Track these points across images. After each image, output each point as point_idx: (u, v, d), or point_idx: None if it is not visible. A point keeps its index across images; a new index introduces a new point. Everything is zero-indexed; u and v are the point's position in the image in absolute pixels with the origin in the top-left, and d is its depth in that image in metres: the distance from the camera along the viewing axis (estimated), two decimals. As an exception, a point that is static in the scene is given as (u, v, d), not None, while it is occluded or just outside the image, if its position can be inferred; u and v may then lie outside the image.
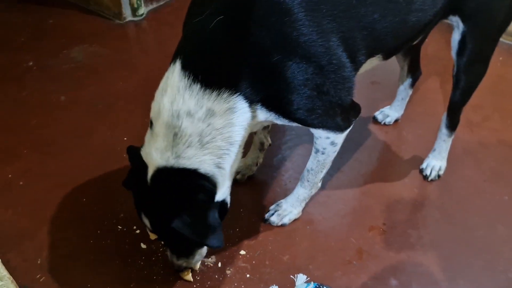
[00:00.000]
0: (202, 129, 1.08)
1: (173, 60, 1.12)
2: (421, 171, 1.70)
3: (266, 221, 1.51)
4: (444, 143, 1.66)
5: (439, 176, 1.68)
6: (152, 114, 1.14)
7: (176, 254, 1.27)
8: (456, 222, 1.54)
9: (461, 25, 1.37)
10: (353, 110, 1.28)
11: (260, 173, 1.69)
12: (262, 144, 1.64)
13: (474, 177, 1.70)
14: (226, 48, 1.08)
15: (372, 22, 1.16)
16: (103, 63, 2.28)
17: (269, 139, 1.65)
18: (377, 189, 1.65)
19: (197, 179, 1.11)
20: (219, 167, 1.13)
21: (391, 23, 1.20)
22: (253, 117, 1.16)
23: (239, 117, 1.11)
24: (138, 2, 2.52)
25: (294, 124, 1.24)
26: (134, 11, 2.55)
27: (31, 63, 2.26)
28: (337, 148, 1.34)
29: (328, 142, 1.31)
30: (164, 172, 1.11)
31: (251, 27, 1.06)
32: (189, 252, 1.26)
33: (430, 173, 1.67)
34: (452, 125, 1.61)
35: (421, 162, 1.72)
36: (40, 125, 1.90)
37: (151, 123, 1.14)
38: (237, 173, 1.65)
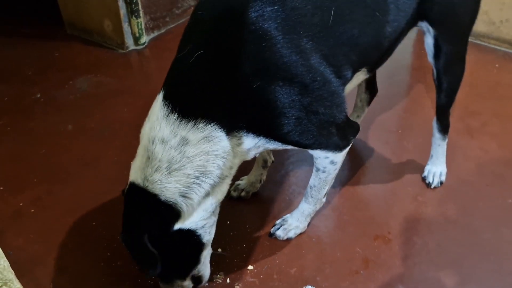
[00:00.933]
0: (172, 156, 1.12)
1: (160, 91, 1.18)
2: (424, 179, 1.72)
3: (272, 235, 1.53)
4: (439, 147, 1.68)
5: (441, 182, 1.70)
6: (140, 135, 1.21)
7: (158, 276, 1.28)
8: (461, 227, 1.55)
9: (431, 30, 1.41)
10: (350, 128, 1.30)
11: (264, 189, 1.72)
12: (265, 161, 1.67)
13: (476, 182, 1.72)
14: (204, 79, 1.13)
15: (352, 38, 1.20)
16: (108, 91, 2.35)
17: (271, 156, 1.68)
18: (381, 198, 1.67)
19: (153, 205, 1.13)
20: (185, 197, 1.14)
21: (370, 36, 1.24)
22: (239, 144, 1.18)
23: (214, 145, 1.13)
24: (140, 31, 2.60)
25: (290, 147, 1.26)
26: (136, 40, 2.63)
27: (38, 95, 2.33)
28: (338, 166, 1.36)
29: (327, 161, 1.33)
30: (133, 188, 1.17)
31: (230, 57, 1.11)
32: (168, 280, 1.28)
33: (433, 180, 1.69)
34: (443, 129, 1.64)
35: (423, 170, 1.74)
36: (49, 154, 1.95)
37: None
38: (241, 190, 1.68)
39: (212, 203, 1.21)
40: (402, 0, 1.27)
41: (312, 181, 1.43)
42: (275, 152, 1.76)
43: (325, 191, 1.45)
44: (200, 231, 1.21)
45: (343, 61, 1.21)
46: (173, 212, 1.14)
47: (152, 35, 2.74)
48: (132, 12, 2.52)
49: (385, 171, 1.79)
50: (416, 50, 2.56)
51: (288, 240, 1.52)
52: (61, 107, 2.25)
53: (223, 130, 1.14)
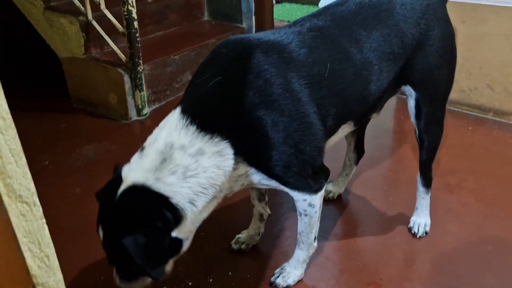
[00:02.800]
0: (190, 163, 1.21)
1: (175, 108, 1.32)
2: (410, 229, 1.86)
3: (272, 284, 1.63)
4: (423, 200, 1.84)
5: (426, 232, 1.83)
6: (147, 142, 1.28)
7: (120, 275, 1.32)
8: (446, 273, 1.66)
9: (413, 93, 1.61)
10: (323, 173, 1.45)
11: (263, 243, 1.83)
12: (261, 215, 1.80)
13: (458, 232, 1.86)
14: (221, 101, 1.29)
15: (341, 91, 1.40)
16: (113, 157, 2.51)
17: (267, 210, 1.82)
18: (371, 248, 1.80)
19: (164, 207, 1.18)
20: (192, 203, 1.22)
21: (357, 91, 1.44)
22: (235, 168, 1.31)
23: (224, 161, 1.26)
24: (143, 103, 2.83)
25: (272, 183, 1.39)
26: (139, 111, 2.84)
27: (46, 162, 2.48)
28: (317, 209, 1.48)
29: (306, 204, 1.46)
30: (137, 189, 1.19)
31: (241, 87, 1.28)
32: (133, 277, 1.30)
33: (418, 230, 1.83)
34: (426, 183, 1.80)
35: (408, 222, 1.88)
36: (58, 215, 2.06)
37: (143, 148, 1.28)
38: (242, 243, 1.79)
39: (199, 219, 1.30)
40: (385, 64, 1.48)
41: (299, 227, 1.55)
42: (271, 208, 1.90)
43: (313, 235, 1.57)
44: (184, 242, 1.28)
45: (330, 111, 1.39)
46: (178, 217, 1.20)
47: (153, 107, 2.96)
48: (136, 86, 2.76)
49: (374, 224, 1.93)
50: (396, 116, 2.81)
51: (288, 287, 1.62)
52: (69, 173, 2.39)
53: (233, 149, 1.28)
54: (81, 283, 1.70)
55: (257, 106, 1.28)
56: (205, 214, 1.33)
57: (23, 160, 0.62)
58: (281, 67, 1.32)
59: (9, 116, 0.58)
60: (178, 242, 1.26)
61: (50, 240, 0.68)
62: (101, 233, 1.25)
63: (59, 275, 0.70)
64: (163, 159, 1.21)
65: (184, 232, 1.27)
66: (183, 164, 1.21)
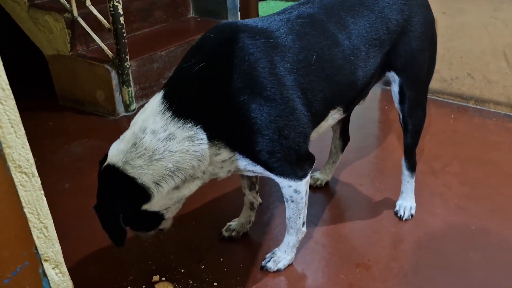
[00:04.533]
0: (157, 147, 1.28)
1: (160, 90, 1.37)
2: (396, 213, 1.91)
3: (263, 268, 1.66)
4: (408, 184, 1.89)
5: (412, 215, 1.88)
6: (131, 122, 1.37)
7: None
8: (432, 251, 1.72)
9: (397, 78, 1.66)
10: (308, 159, 1.48)
11: (253, 230, 1.86)
12: (252, 204, 1.83)
13: (442, 213, 1.91)
14: (202, 87, 1.32)
15: (329, 76, 1.43)
16: (101, 153, 2.48)
17: (258, 198, 1.85)
18: (359, 232, 1.84)
19: (129, 186, 1.29)
20: (157, 184, 1.31)
21: (345, 76, 1.48)
22: (217, 154, 1.36)
23: (194, 146, 1.30)
24: (130, 99, 2.84)
25: (258, 168, 1.42)
26: (126, 107, 2.85)
27: (35, 159, 2.47)
28: (302, 195, 1.51)
29: (291, 190, 1.49)
30: (110, 169, 1.32)
31: (226, 72, 1.32)
32: (137, 230, 1.48)
33: (404, 213, 1.88)
34: (411, 167, 1.85)
35: (395, 206, 1.93)
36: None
37: (127, 130, 1.36)
38: (232, 230, 1.82)
39: (178, 196, 1.38)
40: (371, 49, 1.52)
41: (287, 213, 1.59)
42: (261, 196, 1.93)
43: (301, 220, 1.60)
44: (163, 212, 1.39)
45: (318, 96, 1.42)
46: (145, 195, 1.30)
47: (141, 103, 2.97)
48: (124, 82, 2.77)
49: (362, 208, 1.97)
50: (381, 106, 2.87)
51: (278, 271, 1.65)
52: (57, 169, 2.39)
53: (206, 134, 1.31)
54: (70, 273, 1.70)
55: (241, 90, 1.31)
56: (185, 192, 1.40)
57: (22, 131, 0.64)
58: (267, 52, 1.34)
59: (8, 87, 0.60)
60: (154, 213, 1.37)
61: (49, 212, 0.70)
62: None
63: (58, 246, 0.72)
64: (133, 143, 1.30)
65: (159, 205, 1.36)
66: (151, 149, 1.29)
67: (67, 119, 2.93)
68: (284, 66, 1.36)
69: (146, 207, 1.33)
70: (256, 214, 1.87)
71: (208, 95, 1.32)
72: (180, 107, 1.30)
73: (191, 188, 1.39)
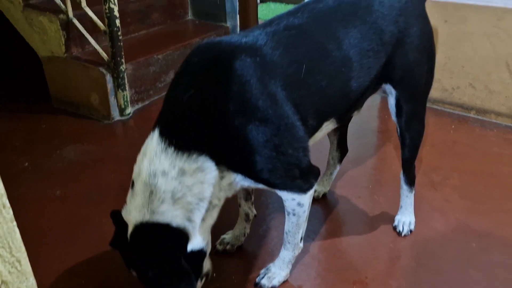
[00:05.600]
0: (174, 186, 1.23)
1: (153, 128, 1.31)
2: (395, 228, 1.86)
3: (257, 285, 1.61)
4: (407, 198, 1.84)
5: (411, 231, 1.84)
6: (134, 175, 1.30)
7: None
8: (431, 269, 1.67)
9: (393, 91, 1.61)
10: (312, 172, 1.43)
11: (248, 243, 1.81)
12: (247, 215, 1.78)
13: (442, 228, 1.86)
14: (196, 116, 1.28)
15: (321, 89, 1.39)
16: (95, 159, 2.47)
17: (253, 210, 1.80)
18: (356, 247, 1.79)
19: (169, 232, 1.24)
20: (190, 220, 1.26)
21: (337, 88, 1.43)
22: (222, 177, 1.32)
23: (206, 175, 1.27)
24: (125, 103, 2.78)
25: (261, 186, 1.38)
26: (121, 111, 2.80)
27: (26, 164, 2.42)
28: (305, 208, 1.47)
29: (295, 203, 1.45)
30: (141, 228, 1.25)
31: (217, 97, 1.27)
32: None
33: (403, 228, 1.83)
34: (410, 181, 1.80)
35: (393, 220, 1.88)
36: (38, 218, 2.01)
37: (133, 183, 1.30)
38: (227, 244, 1.77)
39: (206, 227, 1.34)
40: (365, 60, 1.47)
41: (286, 226, 1.54)
42: (256, 208, 1.88)
43: (299, 235, 1.55)
44: (205, 248, 1.33)
45: (311, 110, 1.38)
46: (185, 235, 1.26)
47: (136, 107, 2.92)
48: (119, 86, 2.72)
49: (360, 222, 1.92)
50: (380, 115, 2.82)
51: (273, 288, 1.60)
52: (49, 175, 2.34)
53: (213, 161, 1.27)
54: (61, 285, 1.65)
55: (234, 114, 1.27)
56: (211, 221, 1.36)
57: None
58: (255, 71, 1.29)
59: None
60: (199, 252, 1.31)
61: (22, 244, 0.65)
62: (134, 273, 1.31)
63: (32, 280, 0.67)
64: (150, 191, 1.24)
65: (198, 242, 1.30)
66: (169, 190, 1.24)
67: (60, 122, 2.88)
68: (275, 83, 1.31)
69: (190, 247, 1.27)
70: (251, 225, 1.82)
71: (203, 122, 1.28)
72: (181, 141, 1.26)
73: (214, 216, 1.36)
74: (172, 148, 1.24)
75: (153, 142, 1.28)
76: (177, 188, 1.24)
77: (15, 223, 0.63)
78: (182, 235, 1.26)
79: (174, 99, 1.33)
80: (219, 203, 1.36)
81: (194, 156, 1.25)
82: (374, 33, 1.48)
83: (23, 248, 0.65)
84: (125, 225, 1.29)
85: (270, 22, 1.44)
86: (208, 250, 1.38)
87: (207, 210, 1.31)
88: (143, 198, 1.25)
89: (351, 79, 1.46)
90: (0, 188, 0.58)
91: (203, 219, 1.31)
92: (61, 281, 1.68)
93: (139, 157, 1.31)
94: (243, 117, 1.26)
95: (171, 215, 1.24)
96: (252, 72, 1.28)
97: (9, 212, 0.61)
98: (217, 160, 1.28)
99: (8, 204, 0.61)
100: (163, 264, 1.23)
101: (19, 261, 0.64)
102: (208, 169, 1.27)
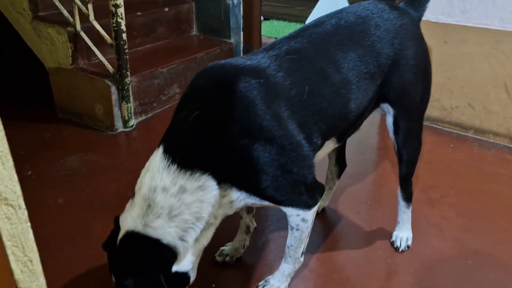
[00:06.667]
0: (172, 203, 1.25)
1: (158, 145, 1.35)
2: (392, 243, 1.88)
3: (255, 296, 1.63)
4: (404, 214, 1.87)
5: (408, 246, 1.86)
6: (136, 187, 1.33)
7: None
8: (427, 285, 1.68)
9: (391, 110, 1.65)
10: (318, 189, 1.46)
11: (247, 255, 1.83)
12: (248, 227, 1.81)
13: (439, 245, 1.89)
14: (201, 136, 1.31)
15: (321, 110, 1.43)
16: (97, 168, 2.50)
17: (254, 222, 1.82)
18: (354, 261, 1.81)
19: (157, 248, 1.25)
20: (182, 240, 1.27)
21: (337, 109, 1.47)
22: (224, 196, 1.34)
23: (207, 194, 1.29)
24: (129, 115, 2.83)
25: (266, 203, 1.41)
26: (125, 123, 2.84)
27: (29, 172, 2.45)
28: (309, 224, 1.50)
29: (299, 219, 1.47)
30: (131, 236, 1.26)
31: (221, 118, 1.30)
32: None
33: (400, 244, 1.85)
34: (407, 197, 1.83)
35: (391, 236, 1.91)
36: (39, 225, 2.02)
37: (134, 194, 1.33)
38: (226, 255, 1.79)
39: (199, 248, 1.34)
40: (362, 82, 1.51)
41: (289, 240, 1.56)
42: (256, 220, 1.90)
43: (301, 250, 1.58)
44: (190, 273, 1.33)
45: (314, 129, 1.41)
46: (173, 254, 1.26)
47: (140, 119, 2.96)
48: (123, 97, 2.76)
49: (357, 237, 1.95)
50: (380, 132, 2.86)
51: (270, 300, 1.62)
52: (52, 183, 2.37)
53: (215, 180, 1.29)
54: (65, 284, 1.67)
55: (239, 135, 1.29)
56: (204, 242, 1.37)
57: (10, 162, 0.63)
58: (259, 93, 1.33)
59: (-1, 118, 0.58)
60: (183, 275, 1.31)
61: (34, 245, 0.68)
62: (113, 279, 1.32)
63: (42, 280, 0.69)
64: (148, 205, 1.27)
65: (185, 264, 1.31)
66: (167, 206, 1.26)
67: (64, 131, 2.92)
68: (278, 104, 1.35)
69: (175, 268, 1.28)
70: (251, 238, 1.84)
71: (208, 142, 1.31)
72: (184, 159, 1.29)
73: (208, 236, 1.37)
74: (175, 166, 1.27)
75: (157, 158, 1.31)
76: (175, 205, 1.26)
77: (29, 224, 0.66)
78: (170, 254, 1.26)
79: (180, 118, 1.36)
80: (215, 222, 1.37)
81: (197, 174, 1.27)
82: (371, 56, 1.53)
83: (35, 249, 0.68)
84: (118, 230, 1.32)
85: (271, 46, 1.49)
86: (193, 277, 1.37)
87: (203, 230, 1.32)
88: (140, 210, 1.27)
89: (350, 100, 1.50)
90: (17, 189, 0.61)
91: (197, 240, 1.32)
92: (64, 286, 1.70)
93: (142, 172, 1.34)
94: (248, 137, 1.29)
95: (164, 232, 1.25)
96: (257, 93, 1.32)
97: (24, 214, 0.64)
98: (220, 179, 1.31)
99: (23, 206, 0.65)
100: (142, 277, 1.23)
101: (31, 261, 0.66)
102: (209, 188, 1.29)
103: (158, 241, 1.25)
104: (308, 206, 1.45)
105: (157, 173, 1.28)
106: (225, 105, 1.31)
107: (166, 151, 1.31)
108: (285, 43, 1.48)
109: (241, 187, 1.36)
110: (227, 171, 1.32)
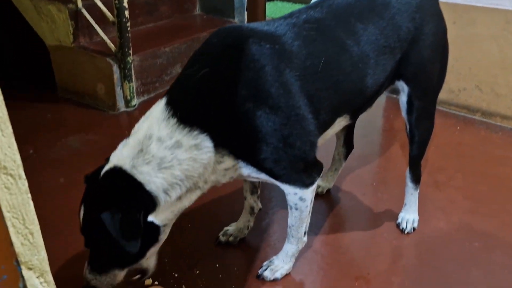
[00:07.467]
0: (165, 155, 1.23)
1: (162, 97, 1.32)
2: (398, 225, 1.86)
3: (259, 276, 1.61)
4: (412, 196, 1.84)
5: (414, 228, 1.83)
6: (133, 130, 1.31)
7: (91, 265, 1.32)
8: (434, 268, 1.66)
9: (405, 88, 1.61)
10: (316, 167, 1.43)
11: (251, 236, 1.81)
12: (252, 208, 1.78)
13: (445, 228, 1.86)
14: (206, 94, 1.28)
15: (337, 83, 1.38)
16: (99, 148, 2.47)
17: (259, 203, 1.80)
18: (359, 243, 1.79)
19: (139, 190, 1.21)
20: (166, 193, 1.24)
21: (353, 84, 1.43)
22: (220, 162, 1.31)
23: (202, 154, 1.26)
24: (131, 94, 2.79)
25: (262, 176, 1.38)
26: (127, 102, 2.80)
27: (31, 151, 2.42)
28: (308, 203, 1.47)
29: (297, 198, 1.45)
30: (116, 172, 1.23)
31: (230, 79, 1.27)
32: (104, 268, 1.31)
33: (406, 226, 1.83)
34: (415, 179, 1.80)
35: (397, 218, 1.88)
36: (41, 204, 1.99)
37: (130, 136, 1.30)
38: (230, 235, 1.77)
39: (179, 207, 1.31)
40: (381, 57, 1.47)
41: (290, 220, 1.54)
42: (261, 201, 1.88)
43: (303, 229, 1.55)
44: (162, 229, 1.29)
45: (324, 104, 1.38)
46: (152, 203, 1.23)
47: (142, 98, 2.92)
48: (125, 77, 2.72)
49: (363, 219, 1.92)
50: (386, 114, 2.82)
51: (275, 281, 1.60)
52: (53, 163, 2.34)
53: (212, 142, 1.27)
54: (62, 274, 1.65)
55: (245, 98, 1.26)
56: (186, 203, 1.33)
57: (9, 129, 0.59)
58: (272, 58, 1.29)
59: (-4, 81, 0.55)
60: (156, 228, 1.27)
61: (35, 217, 0.65)
62: (81, 212, 1.27)
63: (44, 254, 0.67)
64: (140, 149, 1.24)
65: (161, 219, 1.27)
66: (159, 156, 1.23)
67: (66, 111, 2.88)
68: (290, 73, 1.31)
69: (151, 218, 1.24)
70: (255, 219, 1.82)
71: (212, 102, 1.28)
72: (185, 114, 1.26)
73: (192, 198, 1.34)
74: (175, 120, 1.25)
75: (158, 109, 1.28)
76: (167, 158, 1.23)
77: (29, 195, 0.63)
78: (149, 201, 1.23)
79: (188, 74, 1.33)
80: (203, 186, 1.34)
81: (195, 132, 1.25)
82: (392, 29, 1.49)
83: (36, 221, 0.65)
84: (105, 164, 1.29)
85: (290, 15, 1.45)
86: (163, 237, 1.32)
87: (188, 190, 1.29)
88: (131, 151, 1.24)
89: (367, 75, 1.45)
90: (17, 158, 0.58)
91: (180, 198, 1.28)
92: (64, 267, 1.68)
93: (142, 118, 1.32)
94: (254, 102, 1.26)
95: (149, 179, 1.22)
96: (269, 58, 1.28)
97: (24, 184, 0.61)
98: (217, 142, 1.28)
99: (24, 176, 0.61)
100: (119, 212, 1.16)
101: (32, 234, 0.64)
102: (205, 148, 1.26)
103: (141, 185, 1.22)
104: (306, 185, 1.42)
105: (156, 122, 1.25)
106: (236, 66, 1.27)
107: (168, 103, 1.28)
108: (303, 12, 1.44)
109: (238, 155, 1.32)
110: (226, 135, 1.28)
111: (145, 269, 1.40)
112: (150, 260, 1.38)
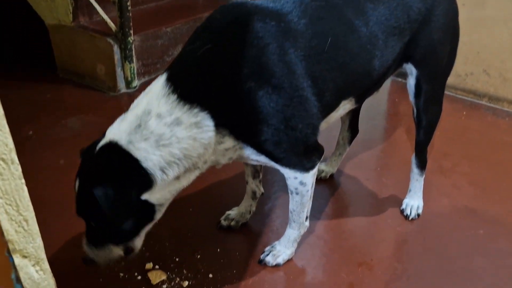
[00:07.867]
0: (164, 132, 1.19)
1: (163, 73, 1.28)
2: (402, 211, 1.83)
3: (261, 262, 1.59)
4: (417, 182, 1.81)
5: (418, 215, 1.81)
6: (132, 105, 1.27)
7: (87, 237, 1.30)
8: (437, 254, 1.65)
9: (414, 71, 1.57)
10: (317, 151, 1.40)
11: (253, 220, 1.79)
12: (254, 193, 1.75)
13: (450, 215, 1.84)
14: (207, 71, 1.24)
15: (343, 64, 1.34)
16: (99, 130, 2.40)
17: (261, 188, 1.77)
18: (362, 229, 1.77)
19: (135, 168, 1.18)
20: (163, 172, 1.20)
21: (360, 66, 1.38)
22: (220, 142, 1.28)
23: (202, 133, 1.22)
24: (132, 75, 2.74)
25: (262, 158, 1.34)
26: (128, 84, 2.76)
27: (30, 132, 2.39)
28: (308, 187, 1.44)
29: (297, 182, 1.42)
30: (112, 147, 1.19)
31: (232, 57, 1.23)
32: (100, 242, 1.29)
33: (410, 212, 1.80)
34: (421, 164, 1.77)
35: (401, 204, 1.86)
36: (41, 187, 1.99)
37: (128, 111, 1.26)
38: (232, 220, 1.75)
39: (176, 187, 1.27)
40: (390, 38, 1.43)
41: (291, 205, 1.51)
42: (263, 186, 1.85)
43: (304, 214, 1.53)
44: (157, 208, 1.26)
45: (329, 86, 1.33)
46: (149, 181, 1.19)
47: (143, 80, 2.87)
48: (126, 57, 2.67)
49: (367, 204, 1.90)
50: (391, 98, 2.77)
51: (277, 266, 1.58)
52: (53, 144, 2.31)
53: (213, 121, 1.23)
54: (63, 256, 1.64)
55: (248, 76, 1.22)
56: (184, 183, 1.30)
57: (1, 111, 0.56)
58: (277, 37, 1.25)
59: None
60: (150, 207, 1.25)
61: (30, 203, 0.62)
62: (76, 185, 1.25)
63: (39, 242, 0.64)
64: (138, 124, 1.20)
65: (157, 198, 1.24)
66: (157, 133, 1.20)
67: (65, 92, 2.84)
68: (295, 52, 1.27)
69: (146, 196, 1.21)
70: (257, 203, 1.80)
71: (214, 79, 1.24)
72: (185, 91, 1.22)
73: (190, 178, 1.30)
74: (175, 96, 1.21)
75: (158, 84, 1.25)
76: (166, 135, 1.19)
77: (23, 180, 0.60)
78: (145, 178, 1.19)
79: (189, 51, 1.29)
80: (202, 167, 1.30)
81: (196, 110, 1.21)
82: (402, 9, 1.44)
83: (31, 208, 0.62)
84: (101, 138, 1.26)
85: None
86: (158, 216, 1.29)
87: (187, 170, 1.25)
88: (129, 126, 1.20)
89: (375, 57, 1.41)
90: (9, 142, 0.55)
91: (178, 178, 1.25)
92: (63, 250, 1.67)
93: (142, 93, 1.28)
94: (256, 81, 1.22)
95: (146, 155, 1.18)
96: (274, 36, 1.24)
97: (17, 169, 0.58)
98: (218, 122, 1.24)
99: (17, 160, 0.58)
100: (113, 188, 1.14)
101: (26, 220, 0.61)
102: (205, 127, 1.23)
103: (137, 162, 1.18)
104: (306, 169, 1.39)
105: (156, 98, 1.22)
106: (239, 43, 1.23)
107: (169, 79, 1.24)
108: None
109: (238, 136, 1.29)
110: (227, 114, 1.25)
111: (130, 248, 1.34)
112: (139, 239, 1.34)
